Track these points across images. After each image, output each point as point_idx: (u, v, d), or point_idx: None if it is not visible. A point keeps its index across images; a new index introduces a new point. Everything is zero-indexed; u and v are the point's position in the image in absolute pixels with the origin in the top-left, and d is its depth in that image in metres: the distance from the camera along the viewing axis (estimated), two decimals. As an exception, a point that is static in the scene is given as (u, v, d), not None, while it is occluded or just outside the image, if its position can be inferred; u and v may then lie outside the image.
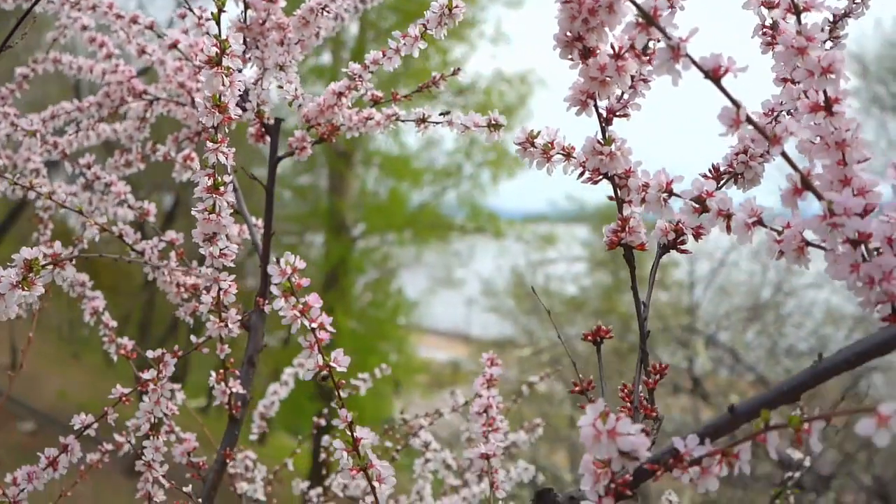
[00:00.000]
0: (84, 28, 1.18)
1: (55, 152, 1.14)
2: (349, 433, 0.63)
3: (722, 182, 0.67)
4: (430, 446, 1.30)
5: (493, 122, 0.83)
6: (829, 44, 0.70)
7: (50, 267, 0.65)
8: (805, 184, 0.50)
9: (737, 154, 0.67)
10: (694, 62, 0.49)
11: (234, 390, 0.95)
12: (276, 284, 0.59)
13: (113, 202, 1.09)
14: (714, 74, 0.50)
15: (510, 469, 1.33)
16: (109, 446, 1.10)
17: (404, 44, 0.88)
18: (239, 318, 0.89)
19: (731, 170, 0.67)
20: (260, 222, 1.09)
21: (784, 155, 0.50)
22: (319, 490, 1.32)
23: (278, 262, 0.59)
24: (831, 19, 0.72)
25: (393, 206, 11.34)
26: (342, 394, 0.63)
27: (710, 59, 0.49)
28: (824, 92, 0.52)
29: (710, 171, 0.68)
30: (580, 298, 10.04)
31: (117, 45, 1.20)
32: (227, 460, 0.97)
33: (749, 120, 0.49)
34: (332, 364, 0.62)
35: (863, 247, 0.52)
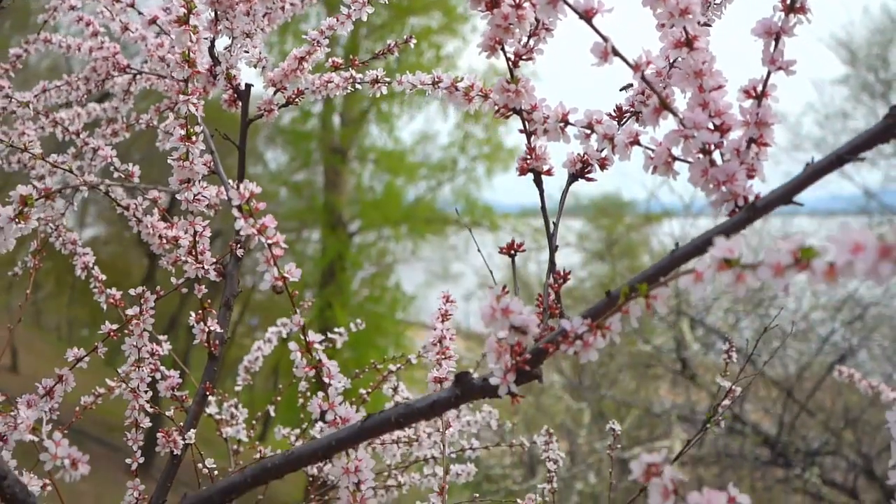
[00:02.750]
0: (72, 8, 1.28)
1: (47, 122, 1.25)
2: (302, 339, 0.74)
3: (625, 119, 0.78)
4: (399, 390, 1.41)
5: (436, 80, 0.93)
6: (718, -1, 0.81)
7: (42, 200, 0.76)
8: (663, 104, 0.61)
9: (637, 94, 0.77)
10: (569, 5, 0.60)
11: (212, 329, 1.06)
12: (235, 207, 0.70)
13: (100, 165, 1.20)
14: (587, 15, 0.60)
15: (476, 413, 1.44)
16: (102, 390, 1.21)
17: (354, 9, 0.99)
18: (214, 259, 0.99)
19: (632, 109, 0.77)
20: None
21: (644, 80, 0.61)
22: (297, 431, 1.43)
23: (238, 187, 0.69)
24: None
25: (389, 201, 11.44)
26: (294, 303, 0.73)
27: (582, 3, 0.60)
28: (685, 30, 0.63)
29: (614, 109, 0.78)
30: (576, 289, 10.14)
31: (103, 25, 1.31)
32: (207, 393, 1.08)
33: (615, 52, 0.60)
34: (286, 275, 0.72)
35: (719, 157, 0.62)
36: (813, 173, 0.56)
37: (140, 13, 1.18)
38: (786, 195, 0.56)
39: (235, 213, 0.71)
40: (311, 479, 1.43)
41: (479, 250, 1.09)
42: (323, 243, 11.05)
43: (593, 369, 7.55)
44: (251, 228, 0.70)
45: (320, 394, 0.74)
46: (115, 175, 1.18)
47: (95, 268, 1.20)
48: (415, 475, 1.35)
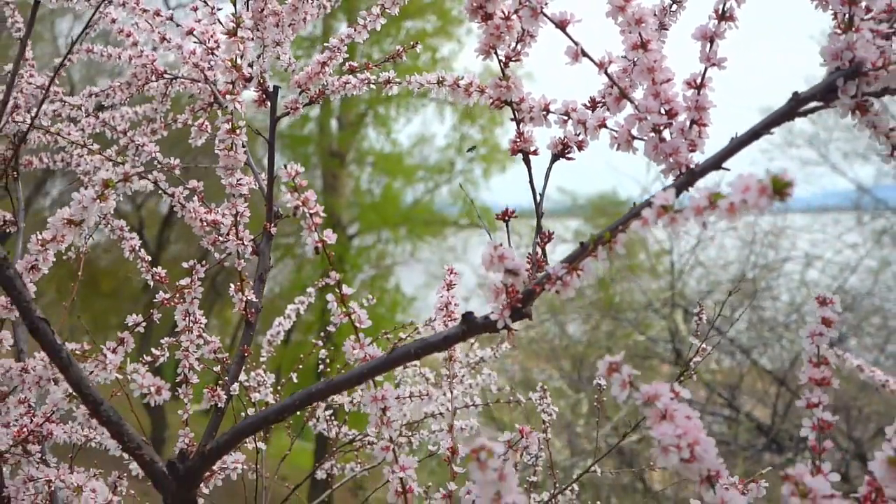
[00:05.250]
0: (113, 21, 1.45)
1: (96, 122, 1.41)
2: (338, 292, 0.90)
3: (598, 108, 0.94)
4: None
5: (440, 79, 1.09)
6: (674, 6, 0.97)
7: (121, 183, 0.92)
8: (622, 94, 0.77)
9: (606, 87, 0.93)
10: (548, 17, 0.76)
11: (249, 299, 1.22)
12: (284, 183, 0.86)
13: (144, 160, 1.36)
14: (562, 25, 0.77)
15: (477, 377, 1.60)
16: (149, 358, 1.37)
17: (369, 20, 1.15)
18: (252, 237, 1.16)
19: (603, 99, 0.93)
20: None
21: (607, 75, 0.77)
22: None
23: (286, 166, 0.86)
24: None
25: (387, 203, 11.61)
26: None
27: (558, 15, 0.76)
28: (640, 35, 0.79)
29: (589, 100, 0.94)
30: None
31: (140, 34, 1.47)
32: (245, 355, 1.24)
33: (584, 53, 0.76)
34: (324, 238, 0.89)
35: (668, 135, 0.79)
36: (737, 144, 0.72)
37: (178, 25, 1.34)
38: (716, 163, 0.73)
39: (283, 188, 0.87)
40: (331, 440, 1.59)
41: (494, 244, 1.25)
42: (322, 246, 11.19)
43: (591, 363, 7.71)
44: (296, 201, 0.87)
45: (352, 336, 0.90)
46: (158, 168, 1.34)
47: (142, 250, 1.37)
48: (423, 432, 1.52)
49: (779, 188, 0.54)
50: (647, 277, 9.37)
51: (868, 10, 0.71)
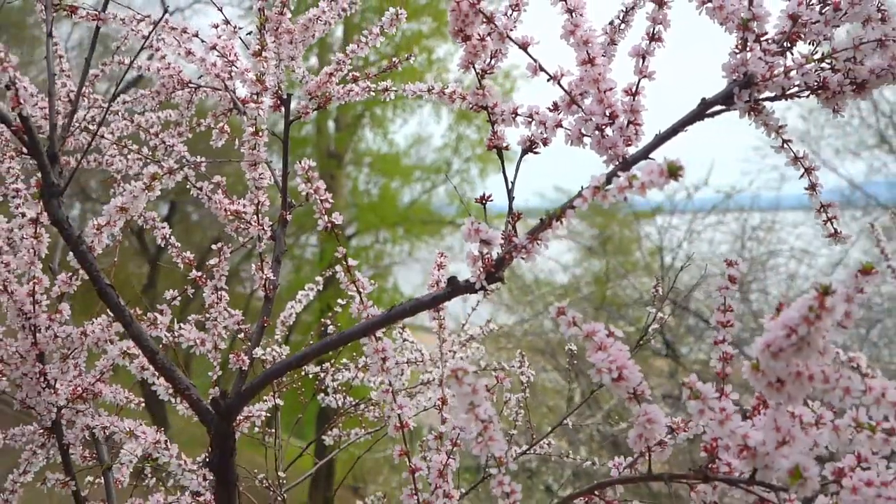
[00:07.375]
0: (144, 38, 1.64)
1: (131, 126, 1.61)
2: (345, 262, 1.10)
3: (559, 111, 1.14)
4: (405, 333, 1.77)
5: (430, 87, 1.29)
6: (622, 25, 1.17)
7: (167, 175, 1.12)
8: (572, 100, 0.97)
9: (563, 96, 1.13)
10: (512, 40, 0.96)
11: (268, 277, 1.41)
12: (299, 175, 1.06)
13: (174, 158, 1.56)
14: (523, 45, 0.96)
15: (468, 351, 1.80)
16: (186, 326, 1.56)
17: (370, 38, 1.35)
18: (271, 223, 1.35)
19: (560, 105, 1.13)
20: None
21: (560, 86, 0.97)
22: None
23: (299, 161, 1.05)
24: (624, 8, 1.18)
25: (384, 203, 11.79)
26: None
27: (520, 38, 0.96)
28: (587, 52, 0.99)
29: (552, 104, 1.14)
30: (571, 286, 10.43)
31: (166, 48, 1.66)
32: (265, 325, 1.44)
33: (541, 68, 0.96)
34: (332, 220, 1.08)
35: (609, 131, 0.99)
36: (659, 140, 0.92)
37: (203, 41, 1.54)
38: (644, 154, 0.93)
39: (298, 179, 1.07)
40: (337, 408, 1.79)
41: (471, 220, 1.44)
42: (321, 247, 11.40)
43: (584, 355, 7.89)
44: (309, 189, 1.07)
45: (357, 299, 1.10)
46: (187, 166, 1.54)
47: (172, 237, 1.56)
48: (419, 398, 1.71)
49: (673, 171, 0.74)
50: (641, 274, 9.56)
51: (760, 35, 0.91)
